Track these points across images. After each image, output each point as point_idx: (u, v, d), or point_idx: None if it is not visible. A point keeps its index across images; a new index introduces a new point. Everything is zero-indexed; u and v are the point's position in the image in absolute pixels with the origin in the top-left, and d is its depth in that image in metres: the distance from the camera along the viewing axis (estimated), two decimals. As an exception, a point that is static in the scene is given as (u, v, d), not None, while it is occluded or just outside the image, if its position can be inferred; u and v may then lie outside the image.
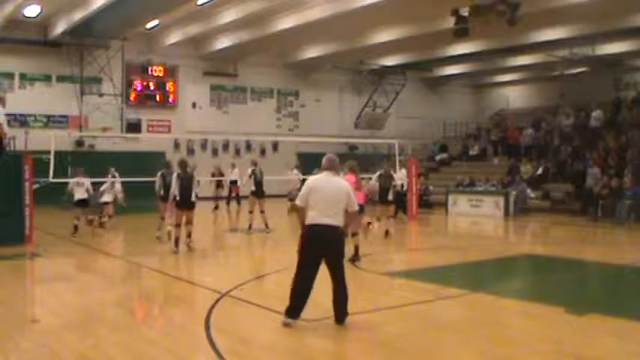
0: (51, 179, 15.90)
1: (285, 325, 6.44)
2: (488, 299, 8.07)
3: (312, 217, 6.48)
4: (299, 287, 6.48)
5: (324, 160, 6.83)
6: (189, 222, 12.25)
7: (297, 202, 6.69)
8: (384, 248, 12.98)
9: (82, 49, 24.98)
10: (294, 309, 6.47)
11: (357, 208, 6.71)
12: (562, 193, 21.51)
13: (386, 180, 13.80)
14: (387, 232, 13.97)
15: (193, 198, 12.13)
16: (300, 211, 6.66)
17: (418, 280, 9.42)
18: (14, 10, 21.15)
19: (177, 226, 12.08)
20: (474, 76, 34.99)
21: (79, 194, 14.87)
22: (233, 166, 22.52)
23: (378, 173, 14.22)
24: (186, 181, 12.22)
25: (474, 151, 28.04)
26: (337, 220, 6.51)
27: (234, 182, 21.97)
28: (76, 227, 14.37)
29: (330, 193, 6.51)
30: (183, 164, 12.60)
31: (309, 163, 23.62)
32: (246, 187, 15.98)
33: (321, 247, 6.47)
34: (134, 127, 26.77)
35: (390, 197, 13.90)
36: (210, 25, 23.84)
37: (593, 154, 21.55)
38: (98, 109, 25.39)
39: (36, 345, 6.12)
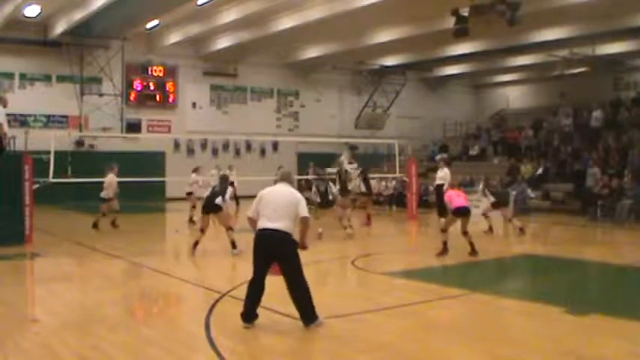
0: (51, 179, 15.91)
1: (245, 327, 6.47)
2: (488, 299, 8.07)
3: (260, 222, 6.59)
4: (250, 291, 6.54)
5: (279, 173, 7.29)
6: (226, 228, 11.90)
7: (249, 214, 6.78)
8: (384, 248, 12.98)
9: (82, 49, 24.98)
10: (246, 313, 6.52)
11: (306, 214, 6.69)
12: (562, 193, 21.50)
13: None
14: (521, 229, 15.20)
15: (218, 201, 11.74)
16: (251, 222, 6.75)
17: (418, 280, 9.43)
18: (14, 10, 21.14)
19: (201, 231, 11.81)
20: (474, 76, 34.99)
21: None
22: (230, 167, 22.55)
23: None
24: (219, 187, 12.04)
25: (474, 151, 28.03)
26: (283, 225, 6.49)
27: (231, 184, 21.96)
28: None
29: (276, 200, 6.60)
30: (224, 179, 12.45)
31: (308, 163, 23.66)
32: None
33: (266, 251, 6.51)
34: (134, 127, 26.78)
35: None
36: (210, 25, 23.83)
37: (593, 154, 21.54)
38: (98, 109, 25.40)
39: (36, 345, 6.11)
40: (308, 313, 6.45)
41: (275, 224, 6.48)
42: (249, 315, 6.52)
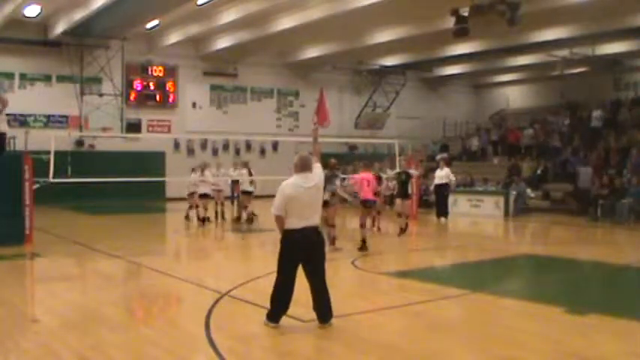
0: (51, 179, 15.90)
1: (268, 326, 6.49)
2: (488, 299, 8.07)
3: (292, 222, 6.39)
4: (282, 293, 6.47)
5: (298, 160, 6.58)
6: (329, 224, 11.95)
7: (276, 212, 6.46)
8: (384, 248, 12.97)
9: (82, 49, 24.97)
10: (278, 314, 6.49)
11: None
12: (562, 193, 21.52)
13: None
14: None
15: (326, 197, 11.56)
16: (279, 220, 6.48)
17: (418, 280, 9.42)
18: (14, 10, 21.14)
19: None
20: (474, 76, 34.99)
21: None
22: (235, 165, 22.57)
23: None
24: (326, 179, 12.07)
25: (473, 146, 27.95)
26: (316, 221, 6.53)
27: (236, 182, 22.03)
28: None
29: (307, 199, 6.41)
30: (331, 165, 12.37)
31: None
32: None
33: (304, 251, 6.45)
34: (134, 127, 26.76)
35: None
36: (210, 25, 23.82)
37: (592, 154, 21.55)
38: (98, 109, 25.38)
39: (36, 345, 6.11)
40: (328, 312, 6.48)
41: (307, 222, 6.39)
42: (278, 317, 6.49)
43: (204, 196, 17.26)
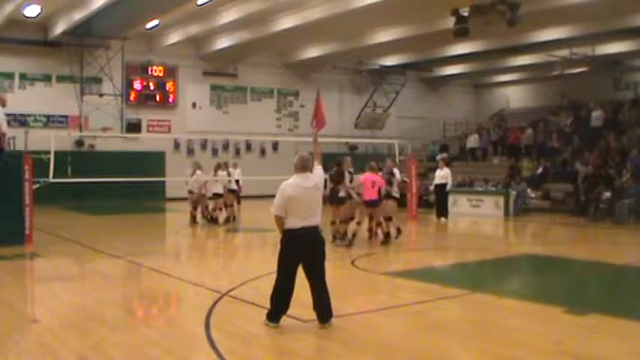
0: (51, 179, 15.90)
1: (268, 326, 6.50)
2: (488, 299, 8.06)
3: (293, 222, 6.39)
4: (282, 293, 6.47)
5: (298, 160, 6.57)
6: (341, 220, 12.63)
7: (276, 212, 6.44)
8: (384, 248, 12.97)
9: (82, 49, 24.98)
10: (278, 314, 6.49)
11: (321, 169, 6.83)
12: (562, 193, 21.52)
13: None
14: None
15: (342, 193, 12.38)
16: (279, 221, 6.47)
17: (418, 280, 9.42)
18: (14, 10, 21.15)
19: (334, 222, 12.65)
20: (474, 76, 35.00)
21: None
22: (235, 165, 22.57)
23: None
24: (337, 177, 12.41)
25: (471, 143, 27.90)
26: (318, 219, 6.52)
27: (236, 182, 21.98)
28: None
29: (307, 199, 6.42)
30: (339, 163, 12.83)
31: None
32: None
33: (304, 251, 6.45)
34: (134, 127, 26.78)
35: None
36: (210, 25, 23.84)
37: (592, 154, 21.53)
38: (98, 109, 25.39)
39: (36, 345, 6.11)
40: (328, 312, 6.48)
41: (307, 222, 6.38)
42: (278, 316, 6.50)
43: (216, 195, 17.21)
